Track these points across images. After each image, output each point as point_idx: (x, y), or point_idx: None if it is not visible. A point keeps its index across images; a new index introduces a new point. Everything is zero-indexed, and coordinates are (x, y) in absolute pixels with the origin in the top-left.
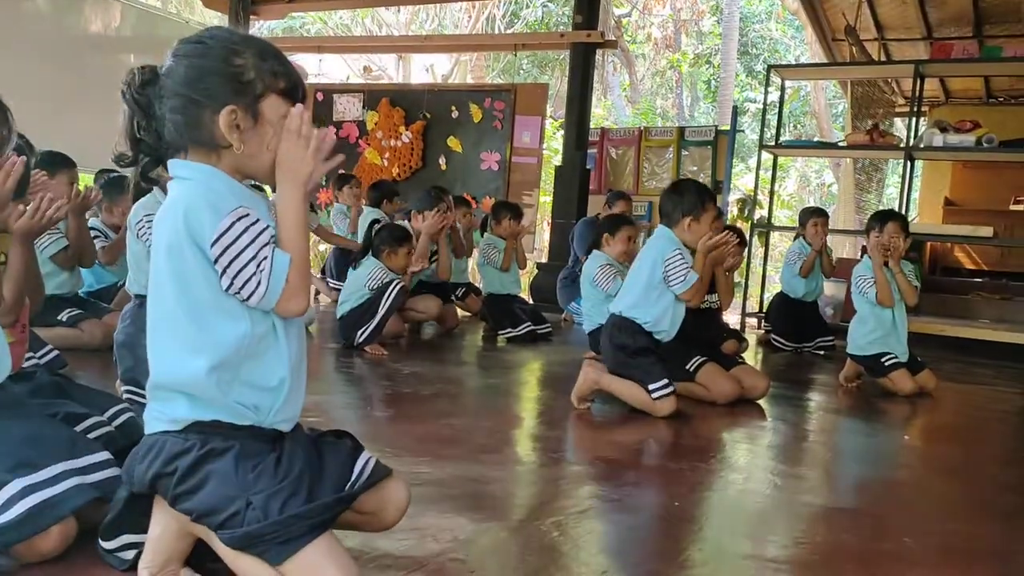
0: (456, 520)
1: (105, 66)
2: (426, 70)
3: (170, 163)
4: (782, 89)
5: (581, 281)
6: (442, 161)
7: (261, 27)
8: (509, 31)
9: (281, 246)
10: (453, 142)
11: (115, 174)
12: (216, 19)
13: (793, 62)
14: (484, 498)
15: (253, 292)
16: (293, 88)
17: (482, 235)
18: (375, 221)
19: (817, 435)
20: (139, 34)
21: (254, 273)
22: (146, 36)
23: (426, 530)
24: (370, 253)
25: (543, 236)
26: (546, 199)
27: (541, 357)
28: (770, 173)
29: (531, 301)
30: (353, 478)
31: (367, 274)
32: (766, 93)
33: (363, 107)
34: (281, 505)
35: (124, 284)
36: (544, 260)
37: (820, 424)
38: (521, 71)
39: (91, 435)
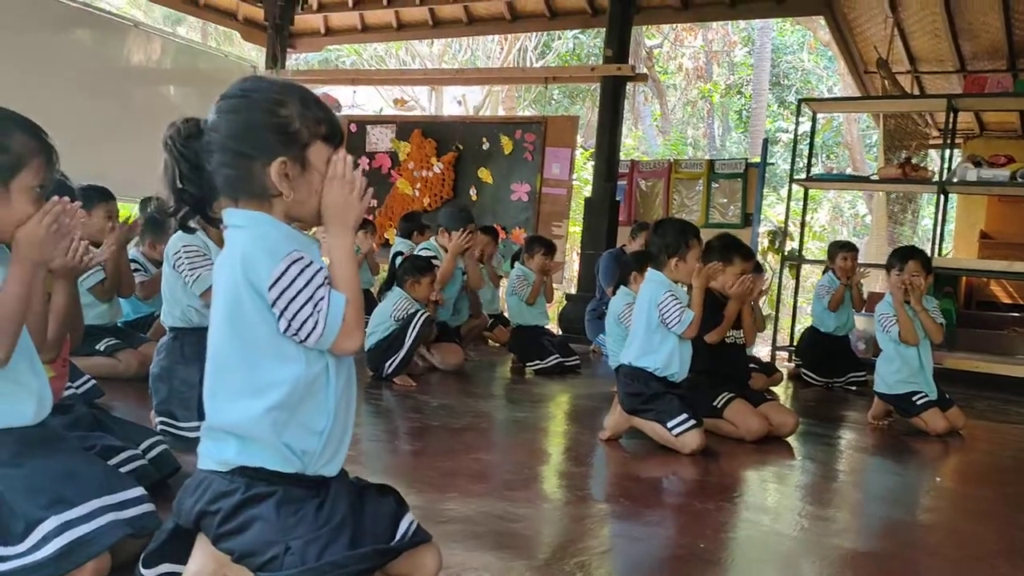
0: (482, 558)
1: (146, 98)
2: (458, 102)
3: (225, 213)
4: (813, 121)
5: (607, 318)
6: (473, 192)
7: (298, 59)
8: (540, 62)
9: (335, 287)
10: (484, 173)
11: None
12: (254, 52)
13: (825, 93)
14: (509, 536)
15: (311, 332)
16: (334, 133)
17: (512, 266)
18: (398, 253)
19: (846, 475)
20: (179, 67)
21: (311, 314)
22: (187, 69)
23: (451, 568)
24: (395, 284)
25: (572, 267)
26: (575, 229)
27: (569, 390)
28: (801, 204)
29: (559, 332)
30: (397, 538)
31: (392, 305)
32: (797, 125)
33: (395, 137)
34: (319, 552)
35: (160, 315)
36: (573, 291)
37: (850, 463)
38: (552, 101)
39: (126, 468)
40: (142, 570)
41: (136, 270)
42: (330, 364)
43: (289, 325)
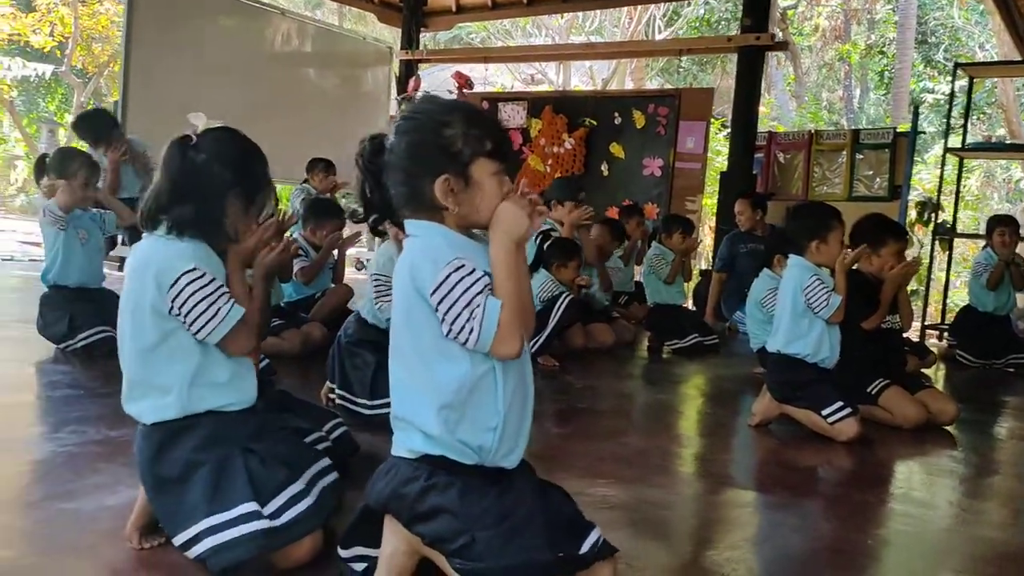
0: (639, 546)
1: (291, 82)
2: (587, 76)
3: (405, 223)
4: (970, 88)
5: (748, 300)
6: (604, 167)
7: (428, 38)
8: (669, 30)
9: (495, 293)
10: (616, 148)
11: (322, 197)
12: (387, 32)
13: (977, 51)
14: (662, 524)
15: (468, 336)
16: (499, 147)
17: (649, 245)
18: (543, 233)
19: (1011, 467)
20: (320, 50)
21: (468, 319)
22: (327, 52)
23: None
24: (540, 266)
25: (706, 241)
26: (710, 202)
27: (708, 371)
28: (952, 173)
29: (694, 308)
30: (586, 548)
31: (539, 285)
32: (952, 93)
33: (527, 114)
34: (504, 545)
35: (321, 296)
36: (707, 267)
37: (1016, 455)
38: (680, 69)
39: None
40: (340, 552)
41: (298, 255)
42: (496, 364)
43: (450, 329)
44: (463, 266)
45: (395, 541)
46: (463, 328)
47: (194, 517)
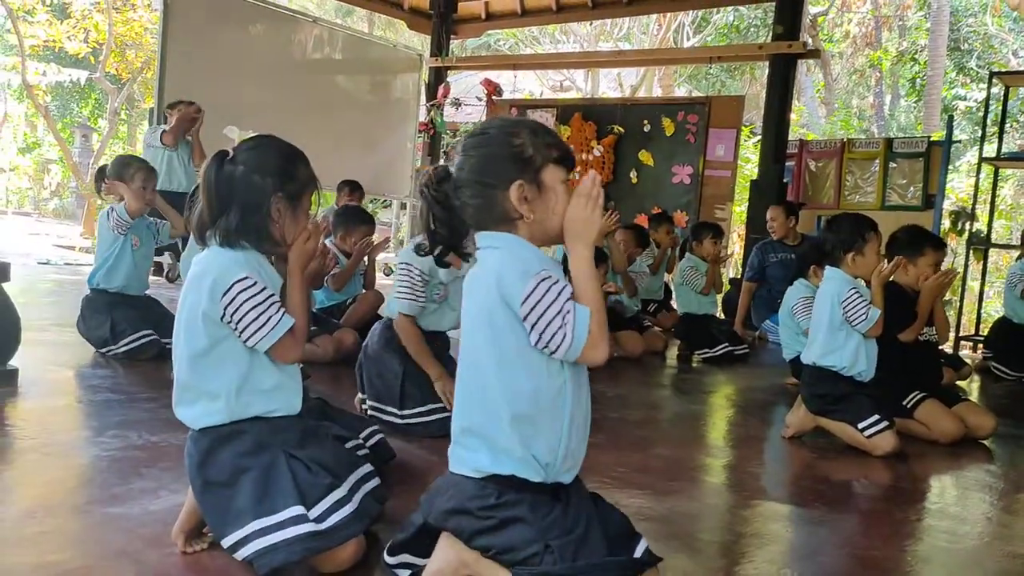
0: (679, 561)
1: (323, 88)
2: (616, 83)
3: (479, 235)
4: (1005, 97)
5: (781, 310)
6: (633, 175)
7: (459, 44)
8: (698, 36)
9: (579, 301)
10: (645, 156)
11: (352, 204)
12: (416, 39)
13: (1011, 58)
14: (698, 536)
15: (560, 344)
16: (566, 156)
17: (681, 256)
18: None
19: None
20: (351, 57)
21: (560, 326)
22: (358, 59)
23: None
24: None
25: (735, 250)
26: (738, 210)
27: (739, 380)
28: (987, 182)
29: (723, 316)
30: (638, 554)
31: None
32: (988, 101)
33: (556, 121)
34: (574, 553)
35: (352, 302)
36: (735, 275)
37: None
38: (709, 75)
39: None
40: (386, 557)
41: (335, 264)
42: (568, 378)
43: (540, 337)
44: (550, 276)
45: (447, 558)
46: (555, 336)
47: (242, 520)
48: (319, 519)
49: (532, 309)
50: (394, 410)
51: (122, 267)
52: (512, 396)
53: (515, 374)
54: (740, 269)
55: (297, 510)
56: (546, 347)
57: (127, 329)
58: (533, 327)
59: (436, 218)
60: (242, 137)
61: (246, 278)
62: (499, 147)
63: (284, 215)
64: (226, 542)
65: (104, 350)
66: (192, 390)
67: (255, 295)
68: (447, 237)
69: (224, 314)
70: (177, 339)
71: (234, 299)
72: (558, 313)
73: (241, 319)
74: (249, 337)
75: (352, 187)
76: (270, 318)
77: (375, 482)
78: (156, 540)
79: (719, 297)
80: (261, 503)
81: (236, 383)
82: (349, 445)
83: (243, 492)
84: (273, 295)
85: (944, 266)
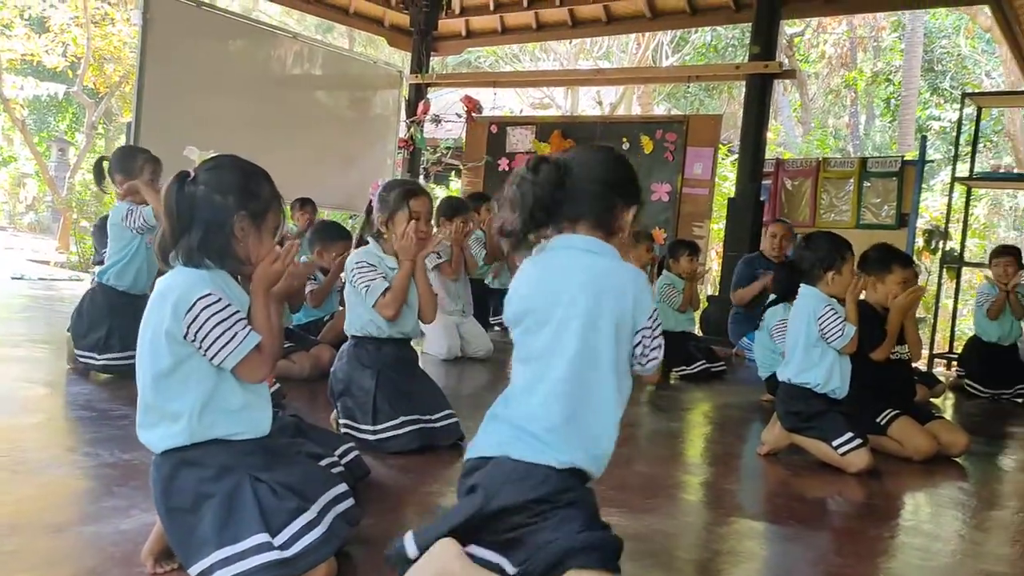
0: None
1: (302, 104)
2: (597, 102)
3: (576, 237)
4: (978, 117)
5: (760, 329)
6: None
7: (439, 61)
8: (676, 55)
9: None
10: None
11: (328, 220)
12: (397, 56)
13: (984, 79)
14: (673, 555)
15: (657, 356)
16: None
17: (658, 274)
18: None
19: (1021, 500)
20: (332, 73)
21: (658, 340)
22: (336, 75)
23: None
24: None
25: (713, 267)
26: (715, 226)
27: (716, 397)
28: (959, 201)
29: (701, 334)
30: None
31: None
32: (960, 122)
33: (535, 138)
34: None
35: (330, 318)
36: (713, 292)
37: None
38: (688, 94)
39: None
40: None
41: (311, 279)
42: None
43: (648, 347)
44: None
45: (441, 562)
46: (655, 348)
47: (205, 549)
48: (284, 545)
49: (652, 323)
50: (367, 427)
51: (135, 265)
52: (622, 400)
53: (623, 381)
54: (718, 286)
55: (261, 538)
56: (649, 358)
57: (116, 344)
58: (649, 341)
59: (540, 207)
60: (202, 157)
61: (210, 295)
62: (627, 171)
63: (248, 233)
64: (192, 571)
65: (82, 352)
66: (154, 411)
67: (219, 311)
68: (544, 220)
69: (188, 332)
70: (141, 359)
71: (198, 316)
72: (657, 327)
73: (206, 336)
74: (215, 355)
75: (303, 203)
76: (236, 334)
77: (348, 503)
78: (127, 560)
79: (696, 314)
80: (224, 531)
81: (200, 403)
82: (324, 463)
83: (205, 520)
84: (239, 312)
85: (919, 284)
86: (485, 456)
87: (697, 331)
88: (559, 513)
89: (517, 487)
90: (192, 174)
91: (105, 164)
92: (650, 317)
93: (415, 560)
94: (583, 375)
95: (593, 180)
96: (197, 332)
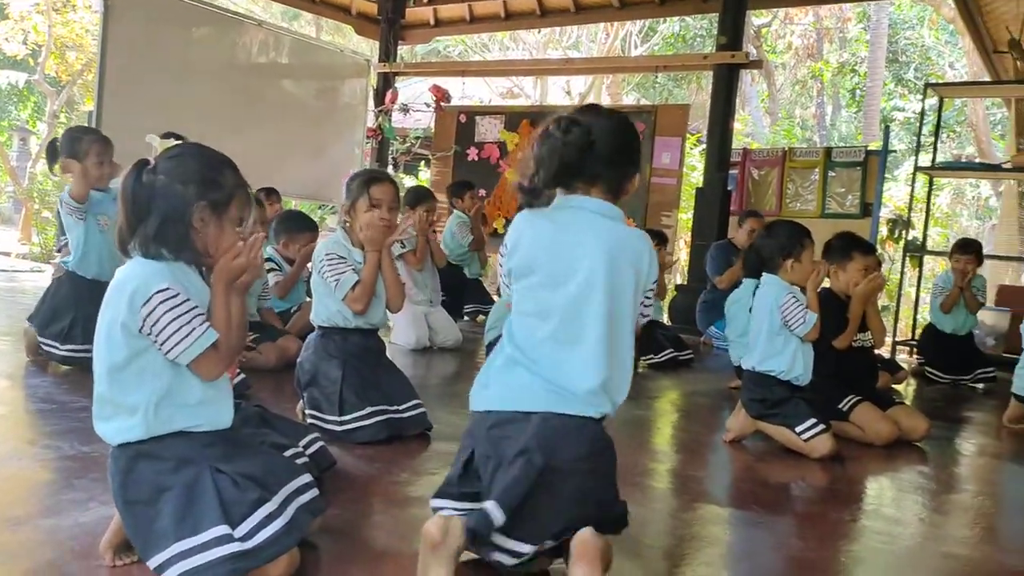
0: (621, 564)
1: (268, 92)
2: (565, 91)
3: (592, 200)
4: (940, 108)
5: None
6: None
7: (408, 50)
8: (645, 45)
9: None
10: None
11: (294, 210)
12: (364, 44)
13: (947, 70)
14: (633, 540)
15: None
16: None
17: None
18: None
19: (979, 483)
20: (298, 62)
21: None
22: (302, 64)
23: None
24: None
25: (681, 256)
26: (683, 217)
27: (684, 386)
28: (921, 191)
29: (670, 323)
30: None
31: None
32: (923, 112)
33: (504, 128)
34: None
35: (297, 309)
36: (682, 282)
37: (985, 471)
38: (656, 84)
39: None
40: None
41: (272, 269)
42: None
43: (651, 303)
44: None
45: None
46: (649, 306)
47: (164, 541)
48: (245, 537)
49: (652, 288)
50: (333, 418)
51: (93, 251)
52: (631, 356)
53: (631, 339)
54: (687, 275)
55: (221, 530)
56: (646, 311)
57: (79, 335)
58: (652, 298)
59: (566, 163)
60: (164, 146)
61: (167, 288)
62: (634, 139)
63: (208, 224)
64: (151, 564)
65: (45, 341)
66: (110, 404)
67: (176, 306)
68: (564, 177)
69: (143, 325)
70: (97, 351)
71: (154, 310)
72: (651, 296)
73: (161, 330)
74: (170, 349)
75: (268, 192)
76: (193, 330)
77: (312, 493)
78: (85, 552)
79: (664, 303)
80: (182, 523)
81: (156, 397)
82: (288, 453)
83: (164, 512)
84: (196, 307)
85: (881, 272)
86: (521, 411)
87: (665, 320)
88: (601, 470)
89: (573, 442)
90: (152, 162)
91: (58, 146)
92: (655, 279)
93: (502, 525)
94: (614, 335)
95: (615, 146)
96: (153, 326)
